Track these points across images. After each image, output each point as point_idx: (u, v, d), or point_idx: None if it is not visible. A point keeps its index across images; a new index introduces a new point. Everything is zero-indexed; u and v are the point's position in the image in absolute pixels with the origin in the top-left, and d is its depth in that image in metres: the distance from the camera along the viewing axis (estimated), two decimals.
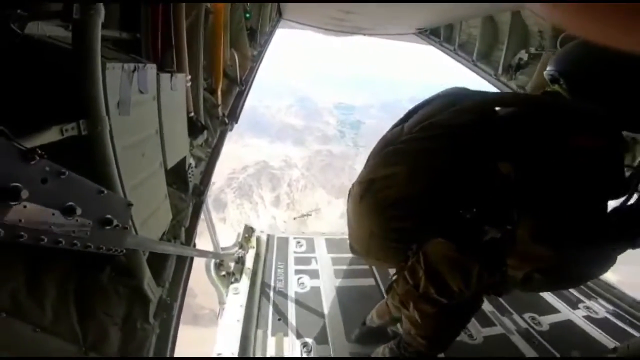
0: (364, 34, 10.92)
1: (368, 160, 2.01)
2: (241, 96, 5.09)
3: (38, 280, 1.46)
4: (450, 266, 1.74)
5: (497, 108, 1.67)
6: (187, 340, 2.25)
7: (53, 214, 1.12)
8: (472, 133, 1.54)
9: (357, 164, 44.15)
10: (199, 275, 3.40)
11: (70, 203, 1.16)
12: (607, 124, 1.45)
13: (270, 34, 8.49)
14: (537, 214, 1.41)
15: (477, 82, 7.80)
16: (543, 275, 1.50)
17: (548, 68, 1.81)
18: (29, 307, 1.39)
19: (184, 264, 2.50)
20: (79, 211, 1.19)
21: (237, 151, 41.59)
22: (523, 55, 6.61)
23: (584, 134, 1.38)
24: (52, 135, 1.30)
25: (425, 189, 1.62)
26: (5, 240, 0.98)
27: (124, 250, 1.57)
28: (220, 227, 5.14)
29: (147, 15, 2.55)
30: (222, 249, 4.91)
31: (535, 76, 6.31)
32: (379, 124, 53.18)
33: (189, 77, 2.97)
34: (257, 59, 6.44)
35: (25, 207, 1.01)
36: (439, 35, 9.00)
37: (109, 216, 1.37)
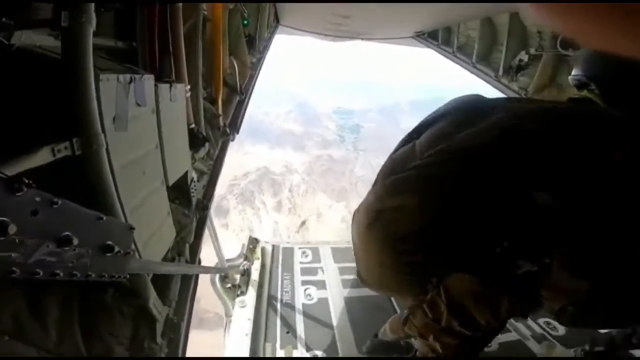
0: (362, 39, 10.87)
1: (376, 183, 1.85)
2: (242, 105, 5.01)
3: (40, 301, 1.36)
4: (477, 301, 1.58)
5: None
6: (192, 343, 2.17)
7: (47, 246, 1.01)
8: (493, 156, 1.38)
9: (357, 167, 44.14)
10: (202, 280, 3.30)
11: (65, 233, 1.05)
12: None
13: (269, 40, 8.42)
14: (577, 244, 1.24)
15: (477, 85, 7.74)
16: (578, 308, 1.35)
17: (573, 72, 1.68)
18: (32, 329, 1.29)
19: (189, 282, 2.39)
20: (75, 241, 1.07)
21: (238, 159, 41.53)
22: (523, 56, 6.55)
23: (628, 146, 1.19)
24: (42, 157, 1.18)
25: (438, 221, 1.46)
26: None
27: (128, 276, 1.46)
28: (223, 233, 5.06)
29: (143, 23, 2.43)
30: (227, 260, 4.80)
31: (536, 77, 6.28)
32: (379, 128, 53.19)
33: (188, 86, 2.86)
34: (256, 66, 6.36)
35: (14, 240, 0.90)
36: (437, 38, 8.93)
37: (109, 243, 1.26)
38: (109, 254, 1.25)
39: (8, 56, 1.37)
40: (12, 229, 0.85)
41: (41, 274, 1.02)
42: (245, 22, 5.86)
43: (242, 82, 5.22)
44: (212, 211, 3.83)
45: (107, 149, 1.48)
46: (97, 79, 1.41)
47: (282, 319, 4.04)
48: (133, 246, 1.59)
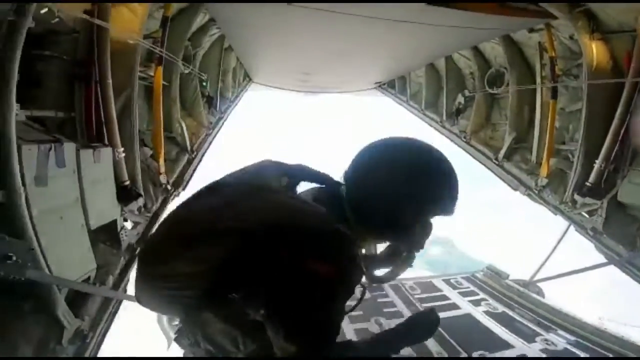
0: (331, 92, 11.96)
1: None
2: (190, 163, 5.74)
3: None
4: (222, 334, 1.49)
5: None
6: None
7: None
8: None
9: None
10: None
11: None
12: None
13: (235, 99, 9.22)
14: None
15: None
16: None
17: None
18: None
19: (108, 305, 3.12)
20: None
21: None
22: (460, 99, 7.12)
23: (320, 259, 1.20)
24: None
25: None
26: None
27: (24, 278, 2.18)
28: None
29: (81, 95, 3.30)
30: None
31: (472, 118, 6.81)
32: None
33: (122, 149, 3.66)
34: (215, 126, 7.12)
35: None
36: (394, 87, 9.92)
37: (10, 254, 2.08)
38: (8, 261, 2.06)
39: None
40: None
41: None
42: (205, 83, 6.70)
43: (195, 142, 6.08)
44: None
45: (26, 199, 2.29)
46: (19, 150, 2.26)
47: None
48: (42, 262, 2.38)
